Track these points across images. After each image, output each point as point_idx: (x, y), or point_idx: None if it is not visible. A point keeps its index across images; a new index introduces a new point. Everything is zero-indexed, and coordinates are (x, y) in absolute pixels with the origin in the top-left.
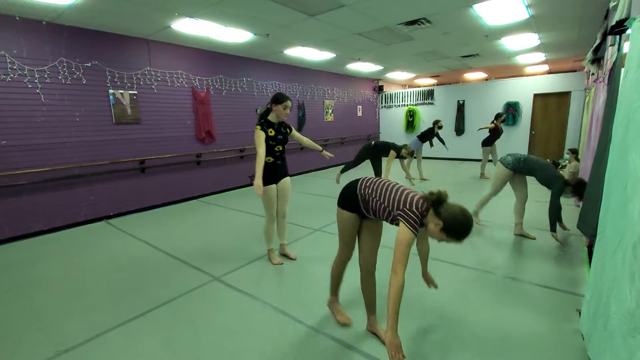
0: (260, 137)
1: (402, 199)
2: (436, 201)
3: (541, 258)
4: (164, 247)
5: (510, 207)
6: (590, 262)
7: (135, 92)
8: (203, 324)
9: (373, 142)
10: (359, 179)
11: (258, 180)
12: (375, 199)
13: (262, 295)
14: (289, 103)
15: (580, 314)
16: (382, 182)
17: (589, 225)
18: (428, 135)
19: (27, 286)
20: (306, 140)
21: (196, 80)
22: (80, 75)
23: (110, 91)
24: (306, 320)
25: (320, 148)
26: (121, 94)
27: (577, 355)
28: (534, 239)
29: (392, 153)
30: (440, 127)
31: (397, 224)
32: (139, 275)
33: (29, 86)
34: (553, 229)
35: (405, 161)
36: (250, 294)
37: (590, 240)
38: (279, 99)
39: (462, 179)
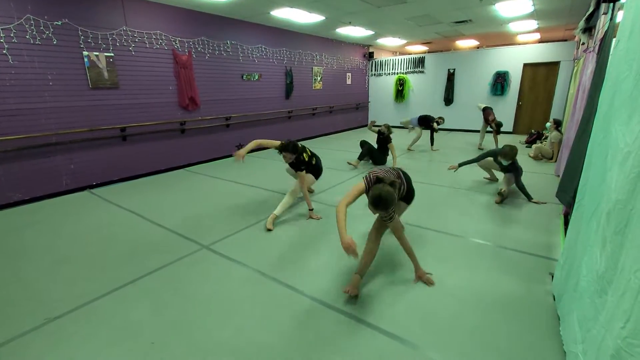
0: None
1: (371, 172)
2: (375, 181)
3: (519, 225)
4: (150, 216)
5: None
6: (565, 229)
7: (112, 54)
8: (192, 291)
9: (383, 133)
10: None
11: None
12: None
13: (251, 262)
14: (284, 155)
15: (553, 277)
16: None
17: (567, 194)
18: (427, 123)
19: (13, 256)
20: (305, 192)
21: (177, 42)
22: (50, 35)
23: (85, 53)
24: (295, 285)
25: (312, 207)
26: (96, 56)
27: (548, 314)
28: (500, 202)
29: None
30: (438, 124)
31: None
32: (126, 243)
33: None
34: (530, 198)
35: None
36: (239, 261)
37: (567, 209)
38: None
39: (452, 150)
